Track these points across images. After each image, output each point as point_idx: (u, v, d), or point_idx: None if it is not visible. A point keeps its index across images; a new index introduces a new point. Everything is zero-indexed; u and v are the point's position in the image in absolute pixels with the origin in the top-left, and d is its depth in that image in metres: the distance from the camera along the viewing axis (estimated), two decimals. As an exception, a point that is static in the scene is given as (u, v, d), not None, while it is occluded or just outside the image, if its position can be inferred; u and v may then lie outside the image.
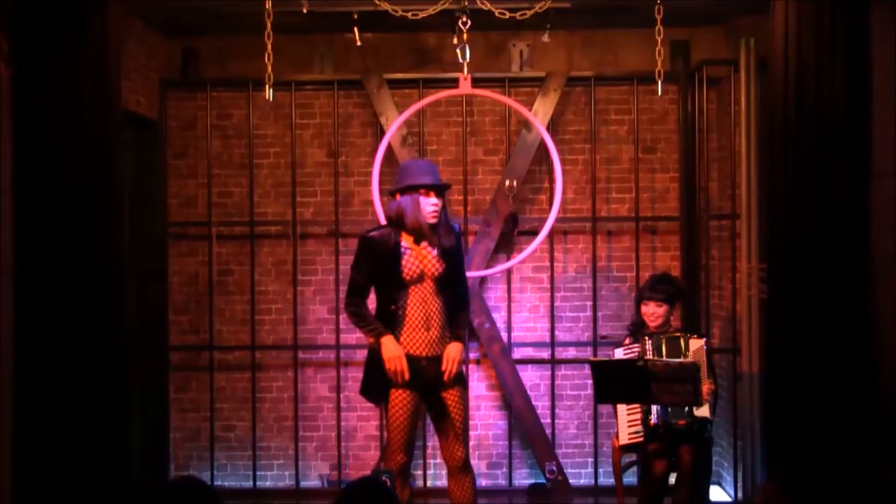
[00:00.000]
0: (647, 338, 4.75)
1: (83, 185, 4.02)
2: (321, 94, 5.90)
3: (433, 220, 4.13)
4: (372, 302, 4.26)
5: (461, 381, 4.24)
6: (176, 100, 5.91)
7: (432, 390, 4.18)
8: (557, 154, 5.40)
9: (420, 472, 5.72)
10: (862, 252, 3.88)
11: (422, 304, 4.11)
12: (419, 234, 4.13)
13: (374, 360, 4.16)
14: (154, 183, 5.74)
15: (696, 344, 4.70)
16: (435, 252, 4.15)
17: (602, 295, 5.85)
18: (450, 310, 4.19)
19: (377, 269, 4.15)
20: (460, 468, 4.23)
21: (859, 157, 3.88)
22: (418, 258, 4.12)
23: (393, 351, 4.07)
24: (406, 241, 4.15)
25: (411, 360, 4.10)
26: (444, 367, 4.12)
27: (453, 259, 4.21)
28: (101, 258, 4.10)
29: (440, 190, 4.17)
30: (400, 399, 4.13)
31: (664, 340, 4.72)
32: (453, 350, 4.16)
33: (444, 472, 5.67)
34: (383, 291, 4.18)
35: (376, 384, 4.18)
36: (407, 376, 4.07)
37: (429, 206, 4.11)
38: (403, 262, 4.10)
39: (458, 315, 4.26)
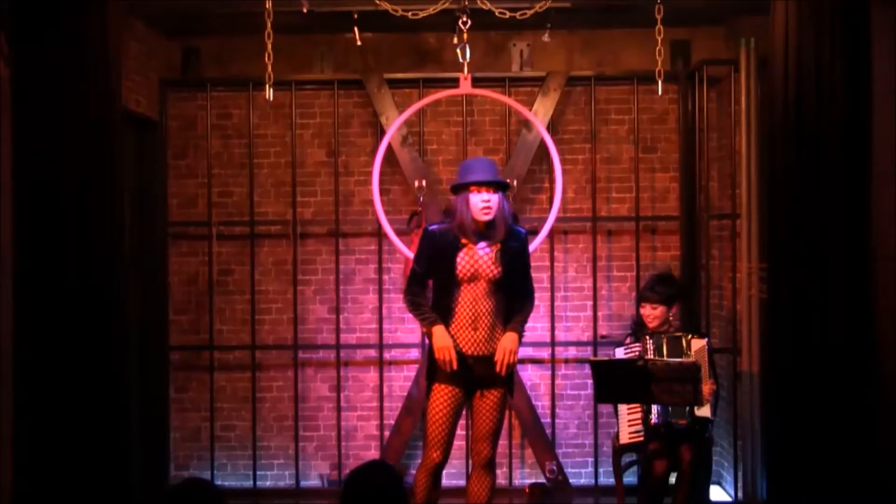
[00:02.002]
0: (648, 337, 4.76)
1: (83, 185, 4.02)
2: (321, 93, 5.90)
3: (485, 217, 4.11)
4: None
5: (507, 383, 4.23)
6: (176, 100, 5.91)
7: (476, 388, 4.20)
8: (557, 154, 5.40)
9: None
10: (862, 252, 3.88)
11: (472, 304, 4.13)
12: (467, 234, 4.13)
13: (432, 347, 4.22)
14: (154, 183, 5.74)
15: (698, 344, 4.71)
16: (493, 254, 4.13)
17: (602, 295, 5.85)
18: (504, 312, 4.18)
19: (435, 263, 4.18)
20: (484, 466, 4.25)
21: (859, 157, 3.88)
22: (473, 258, 4.13)
23: (442, 340, 4.09)
24: (465, 239, 4.15)
25: (458, 357, 4.11)
26: (497, 358, 4.12)
27: (515, 263, 4.18)
28: (101, 258, 4.10)
29: (497, 187, 4.13)
30: (441, 394, 4.17)
31: (665, 340, 4.74)
32: (507, 341, 4.14)
33: (445, 472, 5.72)
34: (439, 285, 4.21)
35: (429, 373, 4.23)
36: (455, 366, 4.08)
37: (479, 202, 4.10)
38: (458, 260, 4.12)
39: (517, 312, 4.22)
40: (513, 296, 4.22)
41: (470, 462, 4.40)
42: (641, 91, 5.71)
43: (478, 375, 4.16)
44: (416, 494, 4.27)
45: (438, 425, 4.17)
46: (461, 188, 4.15)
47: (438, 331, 4.11)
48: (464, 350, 4.13)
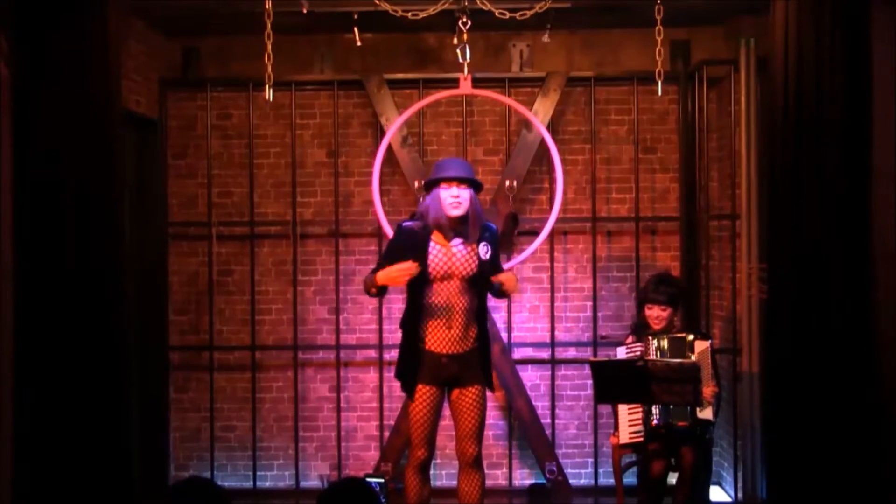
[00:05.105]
0: (650, 338, 4.73)
1: (83, 185, 4.02)
2: (321, 94, 5.90)
3: (455, 211, 4.13)
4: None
5: (483, 380, 4.26)
6: (176, 100, 5.91)
7: (452, 387, 4.24)
8: (558, 154, 5.39)
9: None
10: (862, 252, 3.88)
11: (446, 302, 4.15)
12: (442, 230, 4.15)
13: (404, 348, 4.25)
14: (154, 183, 5.74)
15: (702, 345, 4.69)
16: (468, 251, 4.16)
17: (602, 295, 5.85)
18: (478, 310, 4.22)
19: (405, 260, 4.17)
20: (471, 465, 4.26)
21: (859, 156, 3.88)
22: (446, 256, 4.15)
23: (391, 271, 4.06)
24: (437, 238, 4.17)
25: (432, 357, 4.15)
26: (505, 279, 4.15)
27: (489, 258, 4.22)
28: (101, 258, 4.10)
29: (469, 184, 4.15)
30: (420, 394, 4.20)
31: (668, 340, 4.71)
32: (501, 277, 4.17)
33: (444, 472, 5.73)
34: (413, 283, 4.21)
35: (405, 374, 4.25)
36: (403, 270, 4.02)
37: (448, 197, 4.13)
38: (430, 259, 4.13)
39: None
40: (485, 290, 4.26)
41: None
42: (641, 91, 5.71)
43: (453, 374, 4.19)
44: (407, 493, 4.32)
45: (419, 425, 4.22)
46: (433, 186, 4.19)
47: (381, 273, 4.10)
48: (438, 349, 4.16)
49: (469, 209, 4.15)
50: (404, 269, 4.05)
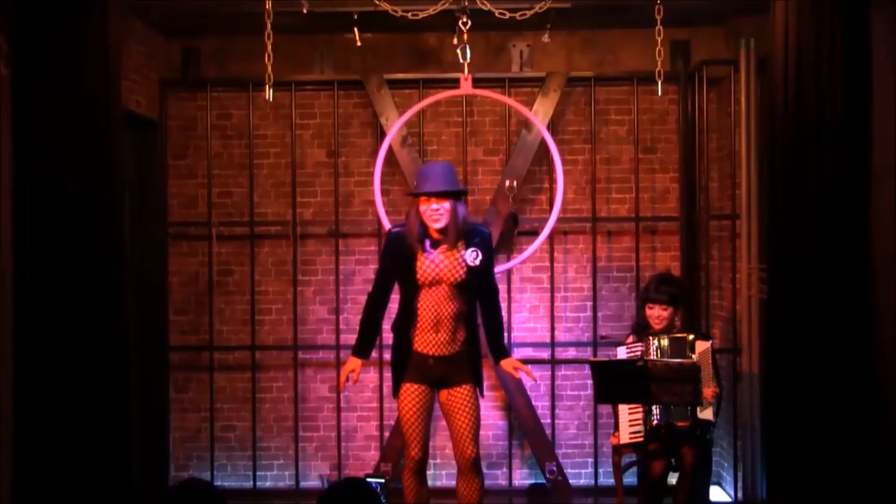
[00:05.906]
0: (651, 338, 4.73)
1: (83, 185, 4.02)
2: (321, 94, 5.90)
3: (436, 224, 4.12)
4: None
5: (472, 379, 4.26)
6: (176, 100, 5.91)
7: (441, 389, 4.25)
8: (559, 154, 5.39)
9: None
10: (862, 252, 3.88)
11: (434, 307, 4.15)
12: (420, 242, 4.14)
13: (394, 349, 4.30)
14: (154, 183, 5.74)
15: (703, 346, 4.68)
16: (456, 258, 4.15)
17: (602, 295, 5.85)
18: (467, 313, 4.22)
19: (397, 266, 4.21)
20: (470, 468, 4.25)
21: (859, 157, 3.88)
22: (434, 262, 4.14)
23: (344, 368, 4.38)
24: (427, 243, 4.16)
25: (419, 357, 4.18)
26: (518, 367, 4.38)
27: (480, 264, 4.19)
28: (101, 258, 4.10)
29: (450, 195, 4.12)
30: (407, 393, 4.22)
31: (669, 340, 4.70)
32: (511, 365, 4.38)
33: (444, 472, 5.73)
34: (403, 288, 4.26)
35: (393, 374, 4.31)
36: (341, 386, 4.45)
37: (428, 211, 4.13)
38: (418, 265, 4.14)
39: (496, 329, 4.38)
40: (475, 296, 4.26)
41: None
42: (641, 91, 5.71)
43: (440, 375, 4.21)
44: (405, 496, 4.33)
45: (411, 423, 4.23)
46: (415, 198, 4.19)
47: (349, 360, 4.36)
48: (426, 351, 4.18)
49: (449, 220, 4.11)
50: (346, 371, 4.33)
